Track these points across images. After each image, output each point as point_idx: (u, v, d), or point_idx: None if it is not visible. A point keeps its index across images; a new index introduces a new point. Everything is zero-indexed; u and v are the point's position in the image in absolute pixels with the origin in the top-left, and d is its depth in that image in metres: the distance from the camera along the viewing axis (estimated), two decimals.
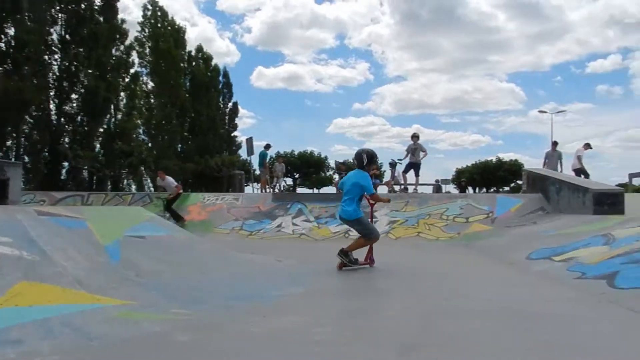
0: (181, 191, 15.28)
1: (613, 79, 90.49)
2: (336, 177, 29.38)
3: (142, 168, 36.79)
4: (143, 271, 4.80)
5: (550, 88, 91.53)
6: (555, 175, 13.64)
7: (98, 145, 33.76)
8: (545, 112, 44.91)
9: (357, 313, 4.36)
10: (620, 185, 18.36)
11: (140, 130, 38.09)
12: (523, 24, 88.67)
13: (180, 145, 40.07)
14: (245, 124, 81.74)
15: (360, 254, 7.39)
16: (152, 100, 38.08)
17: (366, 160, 7.25)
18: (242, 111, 48.30)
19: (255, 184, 21.87)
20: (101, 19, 31.79)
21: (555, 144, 18.18)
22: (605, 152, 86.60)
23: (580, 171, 16.41)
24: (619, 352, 3.15)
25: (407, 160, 16.31)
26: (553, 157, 17.45)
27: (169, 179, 15.49)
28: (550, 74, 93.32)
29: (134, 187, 35.92)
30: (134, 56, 36.01)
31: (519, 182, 31.61)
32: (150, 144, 37.65)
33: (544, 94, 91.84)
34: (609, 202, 10.42)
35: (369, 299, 5.07)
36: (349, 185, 7.24)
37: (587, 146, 17.38)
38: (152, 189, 35.46)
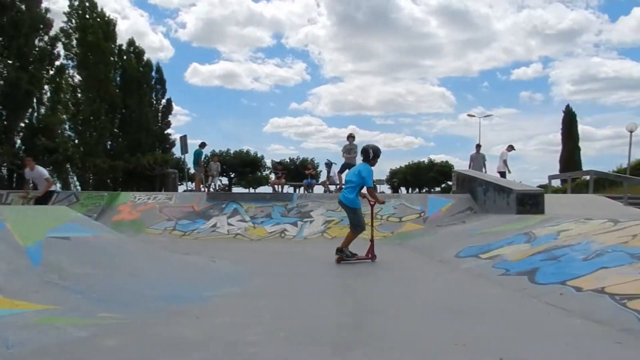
0: (53, 188, 12.98)
1: (535, 86, 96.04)
2: (272, 176, 29.24)
3: (68, 166, 34.99)
4: (67, 274, 4.55)
5: (478, 93, 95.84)
6: (482, 177, 14.29)
7: (19, 141, 31.75)
8: (473, 115, 46.93)
9: (292, 313, 4.35)
10: (540, 186, 19.51)
11: (66, 126, 36.17)
12: (453, 30, 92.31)
13: (110, 142, 38.39)
14: (180, 122, 79.62)
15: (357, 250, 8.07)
16: (80, 95, 36.17)
17: (372, 154, 7.93)
18: (176, 108, 46.85)
19: (189, 183, 21.34)
20: (23, 7, 29.85)
21: (478, 146, 19.05)
22: (527, 155, 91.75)
23: (504, 174, 17.30)
24: (538, 344, 3.34)
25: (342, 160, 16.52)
26: (477, 159, 18.28)
27: (40, 169, 12.60)
28: (478, 80, 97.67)
29: (59, 185, 34.04)
30: (60, 48, 34.14)
31: (449, 182, 32.86)
32: (77, 141, 35.81)
33: (472, 98, 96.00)
34: (530, 202, 11.04)
35: (304, 299, 5.08)
36: (352, 174, 8.01)
37: (511, 148, 18.37)
38: (78, 187, 33.88)
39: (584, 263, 5.38)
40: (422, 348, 3.21)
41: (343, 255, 7.85)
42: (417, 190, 57.44)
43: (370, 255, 8.01)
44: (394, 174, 62.22)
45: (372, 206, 8.39)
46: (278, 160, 42.66)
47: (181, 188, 23.44)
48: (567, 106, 44.44)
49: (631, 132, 23.60)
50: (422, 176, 57.44)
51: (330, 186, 18.35)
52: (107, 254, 5.75)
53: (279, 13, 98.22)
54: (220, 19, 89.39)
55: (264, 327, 3.73)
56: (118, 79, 38.69)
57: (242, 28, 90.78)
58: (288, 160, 53.83)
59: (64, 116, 35.44)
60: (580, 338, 3.42)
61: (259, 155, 53.73)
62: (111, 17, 38.40)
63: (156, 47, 72.20)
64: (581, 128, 46.26)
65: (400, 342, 3.37)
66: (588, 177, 18.31)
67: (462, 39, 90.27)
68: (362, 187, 7.90)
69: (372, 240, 8.10)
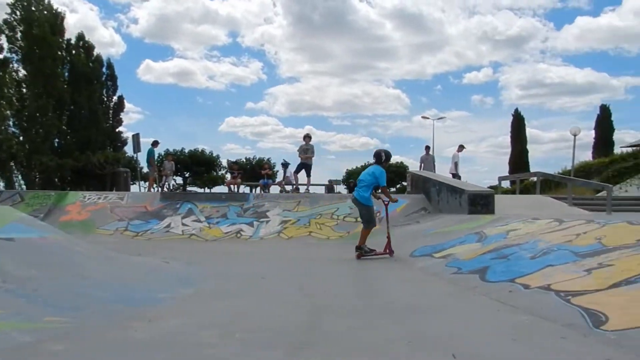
0: None
1: (486, 90, 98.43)
2: (228, 176, 28.89)
3: (12, 164, 33.44)
4: (11, 277, 4.35)
5: (431, 96, 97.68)
6: (436, 178, 14.60)
7: None
8: (427, 118, 47.94)
9: (248, 314, 4.32)
10: (491, 187, 20.13)
11: (10, 122, 34.53)
12: (408, 34, 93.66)
13: (57, 140, 36.92)
14: (132, 119, 76.90)
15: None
16: (25, 90, 34.63)
17: (384, 157, 8.68)
18: (128, 106, 45.50)
19: (142, 182, 20.78)
20: None
21: (428, 148, 19.52)
22: (478, 157, 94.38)
23: (456, 176, 17.76)
24: (488, 340, 3.45)
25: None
26: (428, 160, 18.73)
27: None
28: (432, 83, 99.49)
29: (1, 184, 32.54)
30: (3, 40, 32.59)
31: (404, 183, 33.45)
32: (21, 138, 34.27)
33: (426, 101, 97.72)
34: (481, 202, 11.37)
35: (260, 300, 5.05)
36: (366, 174, 8.62)
37: (461, 147, 18.96)
38: (23, 186, 32.44)
39: (532, 261, 5.59)
40: (376, 347, 3.25)
41: (362, 251, 8.36)
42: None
43: (387, 250, 8.40)
44: (350, 174, 62.71)
45: (386, 205, 8.88)
46: (234, 160, 42.21)
47: (134, 188, 22.80)
48: (516, 110, 45.94)
49: (575, 135, 24.67)
50: None
51: (286, 186, 18.32)
52: (54, 256, 5.53)
53: (234, 11, 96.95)
54: (174, 16, 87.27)
55: (218, 328, 3.68)
56: (66, 74, 37.26)
57: (196, 25, 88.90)
58: (244, 160, 53.29)
59: (8, 112, 33.84)
60: (527, 334, 3.54)
61: (214, 154, 52.91)
62: (59, 10, 37.00)
63: (107, 42, 69.74)
64: (529, 131, 47.75)
65: (355, 341, 3.40)
66: (535, 179, 18.99)
67: (416, 43, 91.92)
68: (374, 187, 8.47)
69: (388, 237, 8.52)
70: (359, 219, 12.97)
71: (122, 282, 5.46)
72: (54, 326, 3.51)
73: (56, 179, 34.41)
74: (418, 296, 5.17)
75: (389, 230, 8.66)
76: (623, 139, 51.65)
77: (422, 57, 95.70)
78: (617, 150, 32.76)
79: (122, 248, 8.98)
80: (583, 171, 26.12)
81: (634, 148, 28.56)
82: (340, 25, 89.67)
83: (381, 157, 8.68)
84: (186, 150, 50.25)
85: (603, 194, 17.11)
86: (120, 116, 42.09)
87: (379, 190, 8.69)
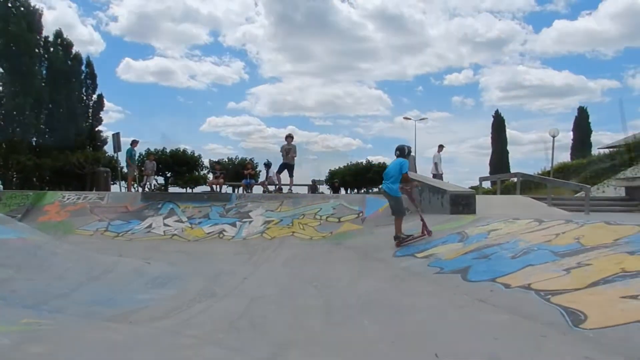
0: None
1: (466, 92, 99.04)
2: (210, 176, 28.68)
3: None
4: None
5: (413, 97, 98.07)
6: (418, 178, 14.68)
7: None
8: (409, 118, 48.13)
9: (230, 315, 4.29)
10: (472, 187, 20.33)
11: None
12: (390, 35, 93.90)
13: (35, 139, 36.26)
14: (112, 119, 75.85)
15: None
16: (1, 88, 33.94)
17: (407, 151, 9.61)
18: (108, 105, 44.74)
19: (123, 182, 20.51)
20: None
21: (409, 148, 19.63)
22: (459, 158, 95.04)
23: (437, 176, 17.88)
24: (470, 339, 3.48)
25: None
26: (409, 161, 18.81)
27: None
28: (413, 84, 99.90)
29: None
30: None
31: None
32: None
33: (408, 101, 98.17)
34: (463, 203, 11.46)
35: (241, 300, 5.02)
36: (393, 167, 9.33)
37: (441, 147, 19.13)
38: (0, 186, 31.80)
39: (512, 261, 5.66)
40: (360, 347, 3.26)
41: (400, 239, 8.79)
42: (355, 190, 58.26)
43: (425, 232, 8.81)
44: (333, 174, 62.82)
45: (410, 191, 9.72)
46: (216, 160, 41.94)
47: (115, 187, 22.50)
48: (497, 111, 46.54)
49: (553, 137, 24.99)
50: (361, 177, 58.35)
51: (269, 186, 18.25)
52: (33, 257, 5.43)
53: (215, 10, 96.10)
54: (155, 14, 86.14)
55: (200, 329, 3.66)
56: (44, 72, 36.56)
57: (177, 24, 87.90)
58: (227, 160, 52.97)
59: None
60: (508, 332, 3.59)
61: (196, 154, 52.45)
62: (36, 6, 36.30)
63: (85, 40, 68.51)
64: (509, 132, 48.39)
65: (339, 341, 3.40)
66: (515, 179, 19.21)
67: (397, 44, 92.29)
68: (400, 179, 9.09)
69: (422, 219, 9.02)
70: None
71: (102, 284, 5.39)
72: (32, 328, 3.45)
73: (34, 179, 33.80)
74: (401, 296, 5.20)
75: (421, 213, 9.29)
76: (600, 140, 52.64)
77: (404, 58, 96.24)
78: (595, 151, 33.30)
79: (103, 249, 8.86)
80: (562, 172, 26.48)
81: (611, 149, 29.09)
82: (322, 26, 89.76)
83: (404, 150, 9.55)
84: (167, 150, 49.79)
85: (581, 194, 17.39)
86: (100, 115, 41.53)
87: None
